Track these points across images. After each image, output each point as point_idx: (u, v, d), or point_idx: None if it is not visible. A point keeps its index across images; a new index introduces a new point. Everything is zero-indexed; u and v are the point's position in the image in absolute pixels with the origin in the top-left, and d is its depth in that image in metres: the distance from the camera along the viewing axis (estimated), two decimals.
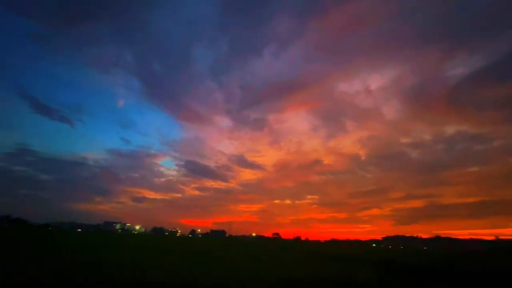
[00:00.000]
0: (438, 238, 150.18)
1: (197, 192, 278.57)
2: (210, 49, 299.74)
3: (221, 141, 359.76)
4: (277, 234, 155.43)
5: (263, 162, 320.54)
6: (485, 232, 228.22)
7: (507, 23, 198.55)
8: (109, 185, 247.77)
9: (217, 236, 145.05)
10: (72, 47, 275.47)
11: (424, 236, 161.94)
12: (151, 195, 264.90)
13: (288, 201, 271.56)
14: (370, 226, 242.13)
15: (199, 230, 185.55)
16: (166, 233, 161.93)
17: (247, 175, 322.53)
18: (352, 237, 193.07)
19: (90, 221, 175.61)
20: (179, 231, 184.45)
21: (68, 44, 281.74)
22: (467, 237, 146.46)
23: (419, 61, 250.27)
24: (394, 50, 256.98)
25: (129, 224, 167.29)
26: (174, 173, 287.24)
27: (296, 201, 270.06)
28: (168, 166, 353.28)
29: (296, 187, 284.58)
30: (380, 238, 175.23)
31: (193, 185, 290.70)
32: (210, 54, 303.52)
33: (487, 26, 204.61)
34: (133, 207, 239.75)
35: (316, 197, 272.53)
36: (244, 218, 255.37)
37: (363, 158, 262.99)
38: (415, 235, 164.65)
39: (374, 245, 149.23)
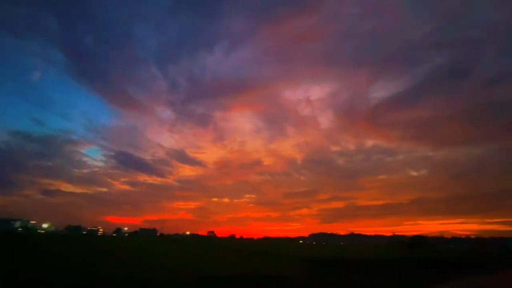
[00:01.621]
0: (352, 235, 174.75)
1: (127, 187, 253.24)
2: (156, 33, 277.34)
3: (160, 133, 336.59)
4: (212, 232, 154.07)
5: (204, 159, 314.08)
6: (386, 229, 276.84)
7: (414, 62, 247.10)
8: (8, 174, 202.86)
9: (146, 235, 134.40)
10: None
11: (342, 233, 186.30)
12: (68, 188, 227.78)
13: (226, 199, 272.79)
14: (299, 224, 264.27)
15: (126, 229, 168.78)
16: (84, 232, 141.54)
17: (186, 171, 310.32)
18: (283, 234, 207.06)
19: None
20: (101, 230, 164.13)
21: None
22: (373, 233, 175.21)
23: (351, 80, 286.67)
24: (333, 67, 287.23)
25: (33, 222, 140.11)
26: (101, 164, 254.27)
27: (235, 200, 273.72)
28: (93, 156, 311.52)
29: (235, 186, 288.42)
30: (307, 235, 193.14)
31: (123, 179, 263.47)
32: (156, 39, 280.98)
33: (402, 62, 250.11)
34: (42, 202, 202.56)
35: (254, 196, 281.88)
36: (179, 215, 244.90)
37: (299, 161, 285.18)
38: (335, 232, 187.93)
39: (301, 241, 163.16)
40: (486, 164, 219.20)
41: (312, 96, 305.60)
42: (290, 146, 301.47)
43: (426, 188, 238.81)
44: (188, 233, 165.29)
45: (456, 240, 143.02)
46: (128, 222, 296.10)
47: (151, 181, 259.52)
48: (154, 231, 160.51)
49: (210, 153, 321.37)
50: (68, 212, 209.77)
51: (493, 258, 45.15)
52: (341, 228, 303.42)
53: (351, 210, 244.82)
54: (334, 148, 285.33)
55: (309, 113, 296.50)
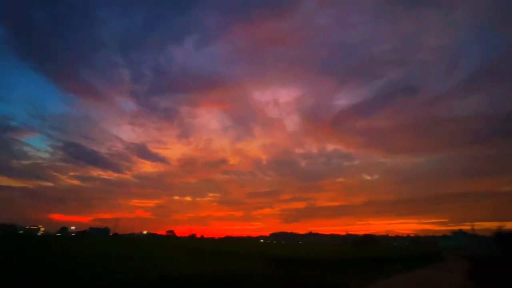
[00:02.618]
0: (310, 234, 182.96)
1: (76, 182, 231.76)
2: (122, 17, 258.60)
3: (119, 125, 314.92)
4: (172, 231, 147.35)
5: (168, 155, 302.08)
6: (341, 228, 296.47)
7: (373, 76, 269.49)
8: None
9: (97, 235, 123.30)
10: None
11: (301, 232, 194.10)
12: (3, 181, 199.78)
13: (188, 198, 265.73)
14: (261, 224, 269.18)
15: (73, 228, 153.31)
16: (21, 232, 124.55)
17: (147, 167, 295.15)
18: (244, 234, 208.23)
19: None
20: (41, 229, 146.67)
21: None
22: (329, 232, 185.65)
23: (318, 87, 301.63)
24: (302, 72, 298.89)
25: None
26: (46, 155, 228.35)
27: (197, 198, 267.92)
28: (37, 146, 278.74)
29: (199, 184, 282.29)
30: (268, 235, 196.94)
31: (72, 173, 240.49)
32: (121, 23, 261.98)
33: (362, 74, 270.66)
34: None
35: (218, 195, 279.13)
36: (136, 214, 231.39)
37: (264, 162, 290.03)
38: (294, 232, 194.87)
39: (262, 241, 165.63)
40: (426, 172, 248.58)
41: (280, 99, 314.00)
42: (256, 147, 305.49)
43: (376, 191, 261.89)
44: (145, 232, 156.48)
45: (399, 239, 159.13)
46: (77, 220, 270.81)
47: (105, 177, 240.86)
48: (106, 230, 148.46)
49: (174, 149, 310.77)
50: (2, 208, 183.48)
51: (428, 254, 50.93)
52: (301, 228, 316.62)
53: (310, 211, 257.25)
54: (298, 151, 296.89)
55: (276, 115, 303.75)
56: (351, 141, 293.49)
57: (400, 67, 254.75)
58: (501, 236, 41.78)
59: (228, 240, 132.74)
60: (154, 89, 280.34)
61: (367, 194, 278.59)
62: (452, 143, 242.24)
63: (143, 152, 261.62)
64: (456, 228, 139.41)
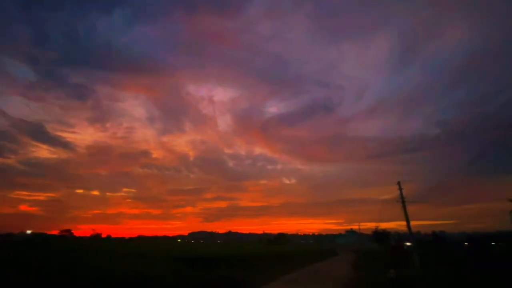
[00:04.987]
0: (229, 233, 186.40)
1: None
2: None
3: (5, 95, 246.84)
4: (68, 231, 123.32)
5: (74, 141, 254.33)
6: (258, 227, 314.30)
7: (301, 91, 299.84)
8: None
9: None
10: None
11: (221, 231, 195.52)
12: None
13: (96, 192, 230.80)
14: (180, 223, 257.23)
15: None
16: None
17: (42, 152, 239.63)
18: (161, 233, 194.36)
19: None
20: None
21: None
22: (248, 231, 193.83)
23: (252, 91, 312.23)
24: (239, 75, 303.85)
25: None
26: None
27: (107, 193, 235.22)
28: None
29: (111, 177, 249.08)
30: (187, 234, 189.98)
31: None
32: None
33: (293, 87, 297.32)
34: None
35: (134, 190, 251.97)
36: (19, 209, 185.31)
37: (191, 159, 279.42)
38: (214, 231, 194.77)
39: (179, 240, 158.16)
40: (332, 180, 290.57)
41: (216, 97, 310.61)
42: (184, 142, 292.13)
43: (292, 194, 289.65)
44: (29, 232, 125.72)
45: (306, 237, 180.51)
46: None
47: None
48: None
49: (83, 134, 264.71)
50: None
51: (327, 250, 59.27)
52: (221, 227, 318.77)
53: (232, 210, 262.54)
54: (227, 151, 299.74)
55: (209, 112, 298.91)
56: (276, 147, 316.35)
57: (322, 88, 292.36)
58: (377, 233, 52.88)
59: (140, 240, 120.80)
60: (64, 59, 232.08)
61: (284, 197, 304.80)
62: (353, 157, 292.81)
63: (39, 133, 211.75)
64: (348, 227, 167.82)
